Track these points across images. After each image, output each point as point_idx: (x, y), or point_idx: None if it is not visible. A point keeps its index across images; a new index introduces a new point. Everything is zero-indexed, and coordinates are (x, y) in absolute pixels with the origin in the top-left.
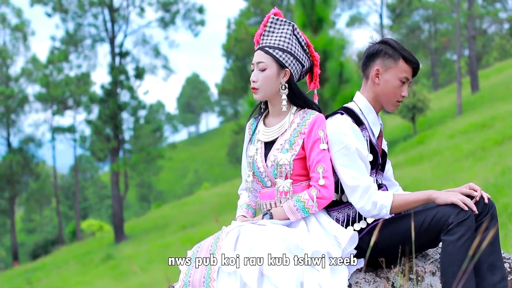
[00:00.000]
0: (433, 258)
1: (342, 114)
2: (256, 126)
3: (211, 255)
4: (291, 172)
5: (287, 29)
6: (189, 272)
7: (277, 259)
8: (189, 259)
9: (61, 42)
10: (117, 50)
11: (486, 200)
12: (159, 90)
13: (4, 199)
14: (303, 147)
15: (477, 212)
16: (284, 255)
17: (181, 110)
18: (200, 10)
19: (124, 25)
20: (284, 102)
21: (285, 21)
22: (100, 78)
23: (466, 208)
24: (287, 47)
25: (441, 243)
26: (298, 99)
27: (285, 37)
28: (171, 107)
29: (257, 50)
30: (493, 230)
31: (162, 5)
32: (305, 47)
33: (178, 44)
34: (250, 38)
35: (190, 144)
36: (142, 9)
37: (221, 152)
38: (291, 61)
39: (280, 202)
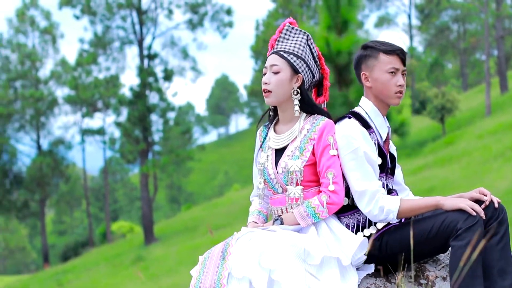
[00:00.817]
0: (444, 263)
1: (350, 118)
2: (267, 133)
3: (222, 261)
4: (302, 178)
5: (302, 38)
6: (200, 277)
7: (286, 264)
8: (201, 264)
9: (89, 44)
10: (145, 52)
11: (496, 205)
12: (188, 92)
13: (34, 201)
14: (313, 153)
15: (484, 217)
16: (294, 260)
17: (210, 112)
18: (228, 11)
19: (152, 27)
20: (296, 107)
21: (300, 30)
22: (129, 80)
23: (474, 214)
24: (301, 54)
25: (450, 249)
26: (308, 106)
27: (300, 45)
28: (201, 109)
29: (271, 54)
30: (502, 235)
31: (190, 7)
32: (316, 59)
33: (206, 46)
34: None
35: (219, 145)
36: (170, 11)
37: (251, 153)
38: (304, 68)
39: (291, 208)
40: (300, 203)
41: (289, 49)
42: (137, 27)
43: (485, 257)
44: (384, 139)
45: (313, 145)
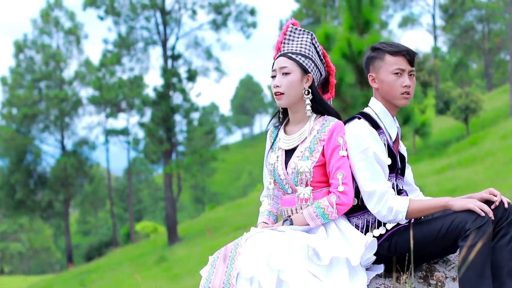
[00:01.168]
0: (454, 264)
1: (359, 118)
2: (277, 134)
3: (231, 261)
4: (311, 179)
5: (307, 37)
6: (209, 277)
7: (295, 265)
8: (211, 264)
9: (113, 45)
10: (169, 52)
11: (506, 205)
12: (213, 92)
13: (58, 202)
14: (323, 154)
15: (494, 218)
16: (302, 261)
17: (235, 112)
18: (252, 12)
19: (176, 28)
20: (308, 107)
21: (304, 30)
22: (153, 80)
23: (483, 214)
24: (309, 54)
25: (458, 249)
26: (319, 105)
27: (306, 45)
28: (225, 109)
29: (279, 57)
30: None
31: (214, 8)
32: (322, 57)
33: (230, 46)
34: None
35: (244, 145)
36: (194, 12)
37: None
38: (313, 67)
39: (301, 209)
40: (310, 203)
41: (296, 50)
42: (161, 27)
43: (495, 258)
44: (393, 139)
45: (323, 146)
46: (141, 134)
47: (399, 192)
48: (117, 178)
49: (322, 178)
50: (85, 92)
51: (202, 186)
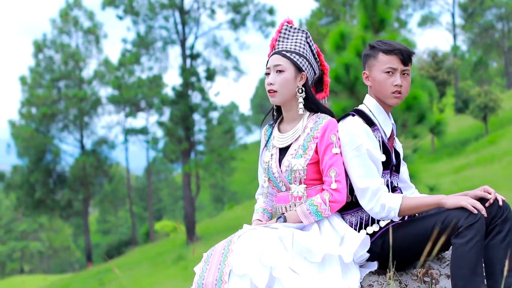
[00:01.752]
0: (448, 261)
1: (353, 115)
2: (271, 132)
3: (224, 258)
4: (305, 177)
5: (301, 36)
6: (203, 274)
7: (288, 262)
8: (205, 261)
9: (132, 44)
10: (188, 52)
11: (501, 203)
12: (232, 92)
13: (78, 201)
14: (316, 152)
15: (486, 215)
16: (295, 258)
17: (254, 111)
18: (271, 11)
19: (194, 27)
20: (301, 105)
21: (299, 29)
22: (172, 80)
23: (476, 211)
24: (303, 52)
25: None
26: (312, 104)
27: (300, 43)
28: (245, 108)
29: (273, 54)
30: (507, 233)
31: (233, 7)
32: (316, 56)
33: (248, 46)
34: (322, 38)
35: None
36: (212, 11)
37: None
38: (307, 66)
39: (295, 206)
40: (304, 201)
41: (290, 48)
42: (180, 27)
43: (488, 255)
44: (388, 136)
45: (316, 144)
46: (160, 133)
47: (394, 189)
48: (137, 177)
49: (316, 175)
50: (105, 92)
51: (221, 186)
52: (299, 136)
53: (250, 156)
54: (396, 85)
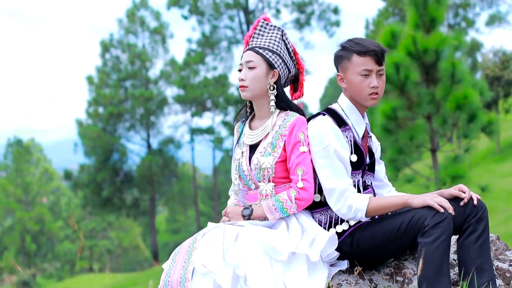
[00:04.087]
0: None
1: (324, 115)
2: (243, 129)
3: (188, 255)
4: (274, 175)
5: (277, 33)
6: (169, 271)
7: (252, 260)
8: (172, 258)
9: (197, 44)
10: None
11: (476, 202)
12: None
13: (144, 200)
14: (284, 150)
15: (453, 213)
16: (260, 256)
17: None
18: (335, 10)
19: None
20: (272, 103)
21: (274, 26)
22: (237, 79)
23: (442, 210)
24: (277, 49)
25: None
26: (283, 102)
27: (275, 40)
28: (314, 108)
29: (246, 50)
30: (481, 232)
31: (297, 7)
32: (292, 54)
33: (313, 45)
34: None
35: None
36: (277, 11)
37: None
38: (280, 63)
39: None
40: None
41: (264, 44)
42: (244, 26)
43: (462, 255)
44: (361, 135)
45: (284, 142)
46: (224, 132)
47: (365, 188)
48: (206, 176)
49: (285, 173)
50: (171, 91)
51: None
52: (268, 133)
53: None
54: (372, 86)
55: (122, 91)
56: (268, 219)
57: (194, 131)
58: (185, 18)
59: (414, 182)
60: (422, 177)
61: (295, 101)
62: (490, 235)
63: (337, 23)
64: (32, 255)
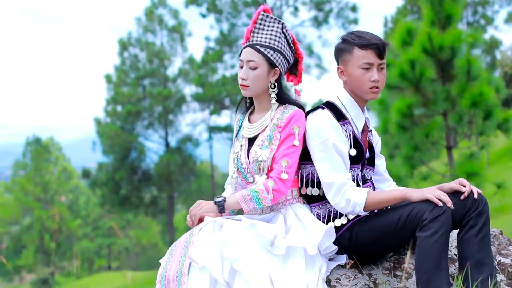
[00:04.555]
0: None
1: (323, 108)
2: (242, 122)
3: (185, 250)
4: (270, 168)
5: (277, 27)
6: (166, 266)
7: (250, 254)
8: (169, 253)
9: (215, 42)
10: None
11: (476, 196)
12: (319, 89)
13: (163, 198)
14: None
15: (452, 207)
16: (258, 250)
17: None
18: (353, 8)
19: None
20: (274, 101)
21: (275, 19)
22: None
23: (441, 204)
24: (278, 46)
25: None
26: (283, 99)
27: (275, 35)
28: None
29: (247, 47)
30: (481, 227)
31: (315, 4)
32: (291, 44)
33: (331, 43)
34: None
35: None
36: (296, 9)
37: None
38: (281, 60)
39: None
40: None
41: (265, 42)
42: None
43: (462, 249)
44: (361, 129)
45: (280, 133)
46: None
47: (365, 182)
48: (224, 174)
49: None
50: (189, 89)
51: None
52: (267, 126)
53: None
54: (373, 80)
55: (140, 89)
56: (244, 210)
57: (212, 129)
58: (203, 16)
59: (430, 179)
60: (437, 174)
61: (296, 87)
62: (493, 229)
63: (355, 21)
64: (50, 254)
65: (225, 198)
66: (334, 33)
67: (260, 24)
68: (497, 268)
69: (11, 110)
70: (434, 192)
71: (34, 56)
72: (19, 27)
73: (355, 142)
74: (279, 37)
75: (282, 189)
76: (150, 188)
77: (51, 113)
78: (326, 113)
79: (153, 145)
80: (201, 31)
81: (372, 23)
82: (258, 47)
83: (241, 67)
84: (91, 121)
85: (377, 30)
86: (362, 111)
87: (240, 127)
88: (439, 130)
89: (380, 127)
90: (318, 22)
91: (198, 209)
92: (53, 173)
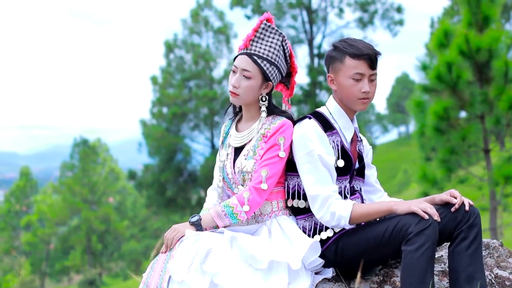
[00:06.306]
0: None
1: (310, 118)
2: (229, 129)
3: (165, 264)
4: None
5: (277, 39)
6: (147, 281)
7: (231, 269)
8: (150, 267)
9: None
10: (315, 51)
11: (467, 208)
12: None
13: None
14: None
15: (439, 220)
16: (239, 264)
17: (390, 110)
18: (399, 9)
19: (322, 26)
20: (264, 114)
21: (276, 30)
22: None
23: (427, 217)
24: (275, 60)
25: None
26: (272, 111)
27: (274, 48)
28: (381, 107)
29: (244, 54)
30: (473, 239)
31: (360, 6)
32: (287, 58)
33: (376, 44)
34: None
35: (399, 144)
36: (341, 10)
37: (433, 153)
38: (276, 74)
39: None
40: None
41: (263, 53)
42: (307, 26)
43: (453, 263)
44: (349, 140)
45: (265, 142)
46: None
47: (354, 193)
48: None
49: None
50: None
51: None
52: (254, 137)
53: (387, 155)
54: (364, 92)
55: (186, 91)
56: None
57: None
58: (248, 18)
59: (467, 183)
60: (474, 177)
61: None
62: (493, 241)
63: (400, 22)
64: (98, 255)
65: (200, 217)
66: (379, 34)
67: (261, 33)
68: (493, 281)
69: (59, 112)
70: (421, 205)
71: (82, 58)
72: (68, 29)
73: (343, 153)
74: (278, 50)
75: (257, 199)
76: (196, 189)
77: (98, 115)
78: (312, 123)
79: (199, 147)
80: (247, 33)
81: (419, 24)
82: (255, 57)
83: (234, 72)
84: (137, 123)
85: (424, 31)
86: (352, 120)
87: (226, 133)
88: (476, 133)
89: (417, 130)
90: (363, 24)
91: (174, 233)
92: (100, 174)
